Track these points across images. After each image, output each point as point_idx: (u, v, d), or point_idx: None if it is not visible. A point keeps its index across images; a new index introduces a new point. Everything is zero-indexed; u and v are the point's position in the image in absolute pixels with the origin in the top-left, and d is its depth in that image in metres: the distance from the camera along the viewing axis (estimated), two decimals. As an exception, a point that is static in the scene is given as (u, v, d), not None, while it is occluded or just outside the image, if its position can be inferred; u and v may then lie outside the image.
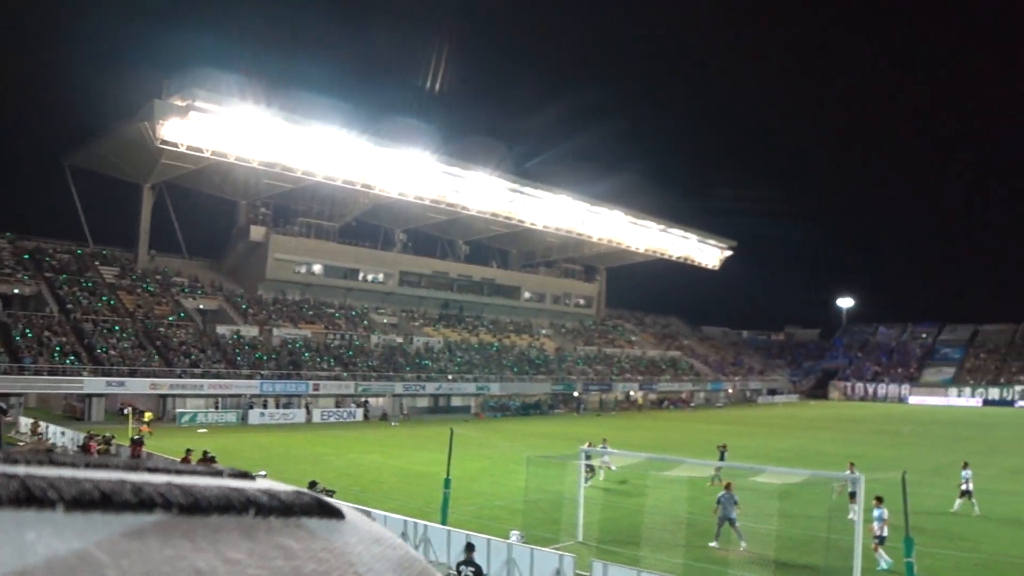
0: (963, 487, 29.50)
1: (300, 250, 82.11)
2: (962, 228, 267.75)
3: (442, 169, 78.87)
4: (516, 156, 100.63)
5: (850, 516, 24.49)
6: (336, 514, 0.60)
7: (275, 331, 72.60)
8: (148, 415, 48.29)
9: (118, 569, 0.48)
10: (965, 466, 30.15)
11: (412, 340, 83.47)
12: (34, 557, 0.48)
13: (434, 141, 77.32)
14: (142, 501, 0.51)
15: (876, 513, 20.99)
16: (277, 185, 76.40)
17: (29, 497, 0.50)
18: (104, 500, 0.51)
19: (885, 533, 20.71)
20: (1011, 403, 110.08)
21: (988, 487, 35.89)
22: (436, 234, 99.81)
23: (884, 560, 20.46)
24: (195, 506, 0.53)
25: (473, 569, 16.83)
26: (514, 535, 21.75)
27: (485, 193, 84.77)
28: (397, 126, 75.06)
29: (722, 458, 34.62)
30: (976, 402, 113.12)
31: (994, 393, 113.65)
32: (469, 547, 17.65)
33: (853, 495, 24.34)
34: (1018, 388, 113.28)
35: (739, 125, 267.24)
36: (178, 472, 0.58)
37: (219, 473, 0.61)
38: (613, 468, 33.30)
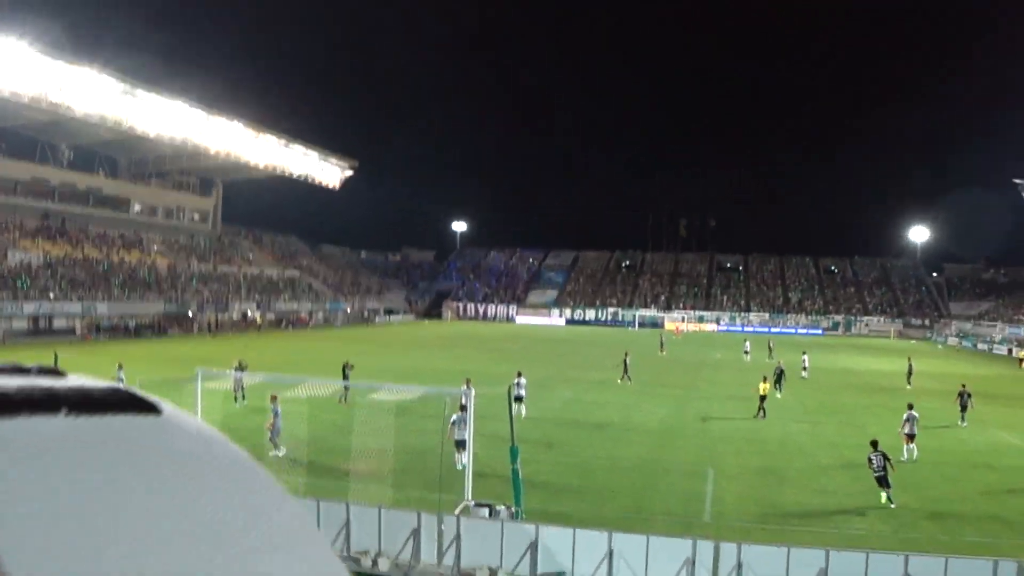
0: (516, 393, 31.56)
1: None
2: (568, 162, 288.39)
3: (43, 62, 71.26)
4: (129, 55, 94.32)
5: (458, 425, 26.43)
6: (152, 409, 0.57)
7: None
8: None
9: None
10: (519, 375, 33.24)
11: (6, 255, 76.02)
12: None
13: (33, 30, 69.64)
14: None
15: (455, 417, 23.43)
16: None
17: None
18: None
19: (466, 437, 22.06)
20: (604, 322, 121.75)
21: (581, 398, 39.63)
22: (35, 136, 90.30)
23: (460, 462, 22.62)
24: (2, 406, 0.49)
25: None
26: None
27: (93, 93, 77.86)
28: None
29: (346, 376, 35.60)
30: (574, 321, 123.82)
31: (590, 313, 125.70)
32: None
33: (464, 407, 26.25)
34: (611, 309, 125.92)
35: (359, 48, 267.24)
36: None
37: (27, 371, 0.58)
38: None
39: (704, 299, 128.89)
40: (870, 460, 21.20)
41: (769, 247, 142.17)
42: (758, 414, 34.31)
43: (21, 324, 69.52)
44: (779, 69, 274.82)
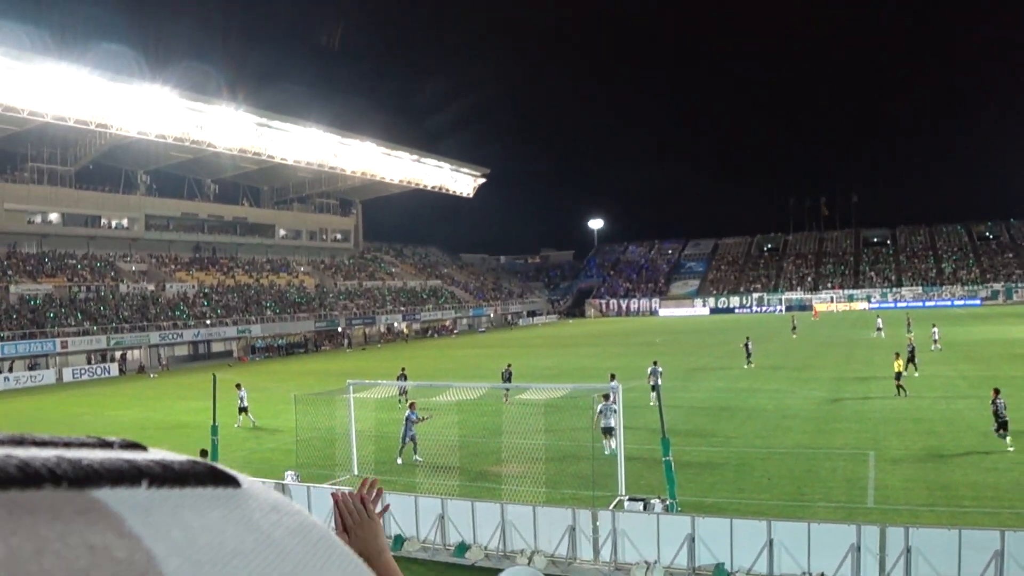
0: (652, 382, 32.34)
1: (33, 198, 76.03)
2: (698, 148, 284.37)
3: (184, 105, 74.58)
4: (262, 89, 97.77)
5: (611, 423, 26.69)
6: (232, 482, 0.58)
7: (12, 288, 67.47)
8: None
9: (6, 547, 0.45)
10: (655, 364, 33.47)
11: (165, 286, 79.98)
12: None
13: (174, 75, 73.20)
14: (29, 477, 0.48)
15: (601, 406, 24.42)
16: (0, 128, 70.08)
17: None
18: None
19: (613, 424, 23.21)
20: (749, 309, 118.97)
21: (733, 386, 38.83)
22: (181, 174, 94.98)
23: (608, 448, 23.88)
24: (86, 480, 0.50)
25: None
26: (289, 475, 21.61)
27: (231, 129, 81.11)
28: (131, 60, 70.49)
29: (509, 379, 37.17)
30: (718, 310, 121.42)
31: (735, 301, 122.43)
32: (204, 453, 19.75)
33: (607, 396, 26.87)
34: (755, 295, 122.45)
35: (481, 58, 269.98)
36: (67, 445, 0.56)
37: (110, 444, 0.59)
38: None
39: (852, 277, 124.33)
40: (995, 405, 23.73)
41: (918, 217, 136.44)
42: (898, 392, 33.26)
43: (183, 350, 73.02)
44: (914, 28, 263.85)
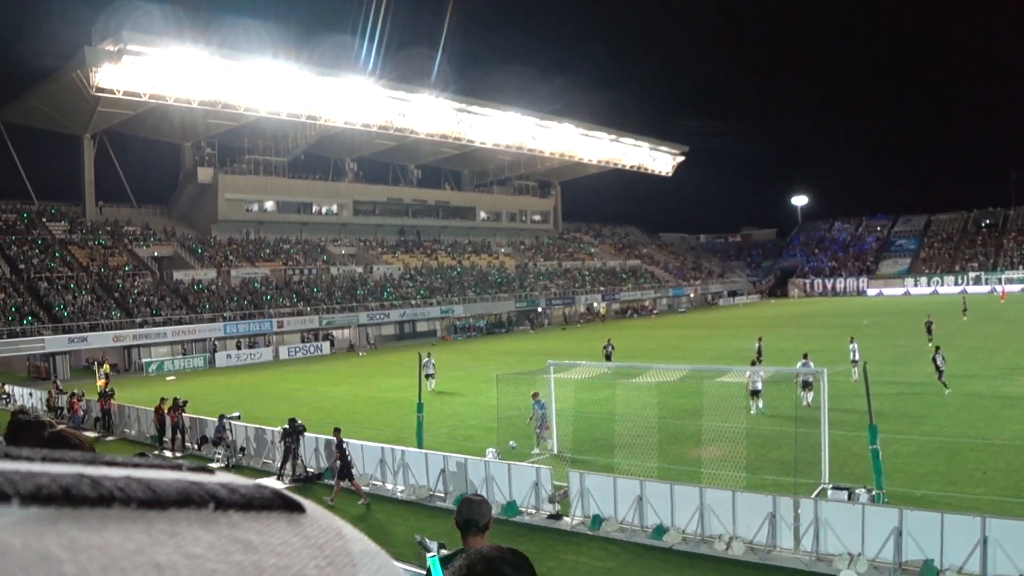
0: (852, 358, 34.63)
1: (250, 188, 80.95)
2: (911, 120, 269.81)
3: (387, 94, 77.54)
4: (462, 75, 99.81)
5: (804, 404, 26.31)
6: (297, 508, 0.59)
7: (233, 272, 71.97)
8: (105, 367, 47.14)
9: (76, 565, 0.46)
10: (852, 340, 35.89)
11: (372, 269, 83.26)
12: None
13: (376, 66, 76.31)
14: (101, 496, 0.50)
15: (748, 371, 28.04)
16: (220, 124, 74.79)
17: None
18: (63, 494, 0.49)
19: (759, 387, 27.91)
20: (964, 291, 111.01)
21: (947, 371, 36.82)
22: (386, 160, 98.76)
23: (755, 408, 27.87)
24: (154, 500, 0.52)
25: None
26: (490, 452, 22.11)
27: (432, 115, 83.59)
28: (337, 54, 73.72)
29: (760, 354, 39.03)
30: (931, 290, 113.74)
31: (949, 281, 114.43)
32: (337, 431, 21.33)
33: (807, 384, 26.49)
34: (971, 275, 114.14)
35: (679, 31, 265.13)
36: (136, 465, 0.57)
37: (178, 467, 0.60)
38: None
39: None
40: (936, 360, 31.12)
41: None
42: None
43: (389, 329, 76.02)
44: None
